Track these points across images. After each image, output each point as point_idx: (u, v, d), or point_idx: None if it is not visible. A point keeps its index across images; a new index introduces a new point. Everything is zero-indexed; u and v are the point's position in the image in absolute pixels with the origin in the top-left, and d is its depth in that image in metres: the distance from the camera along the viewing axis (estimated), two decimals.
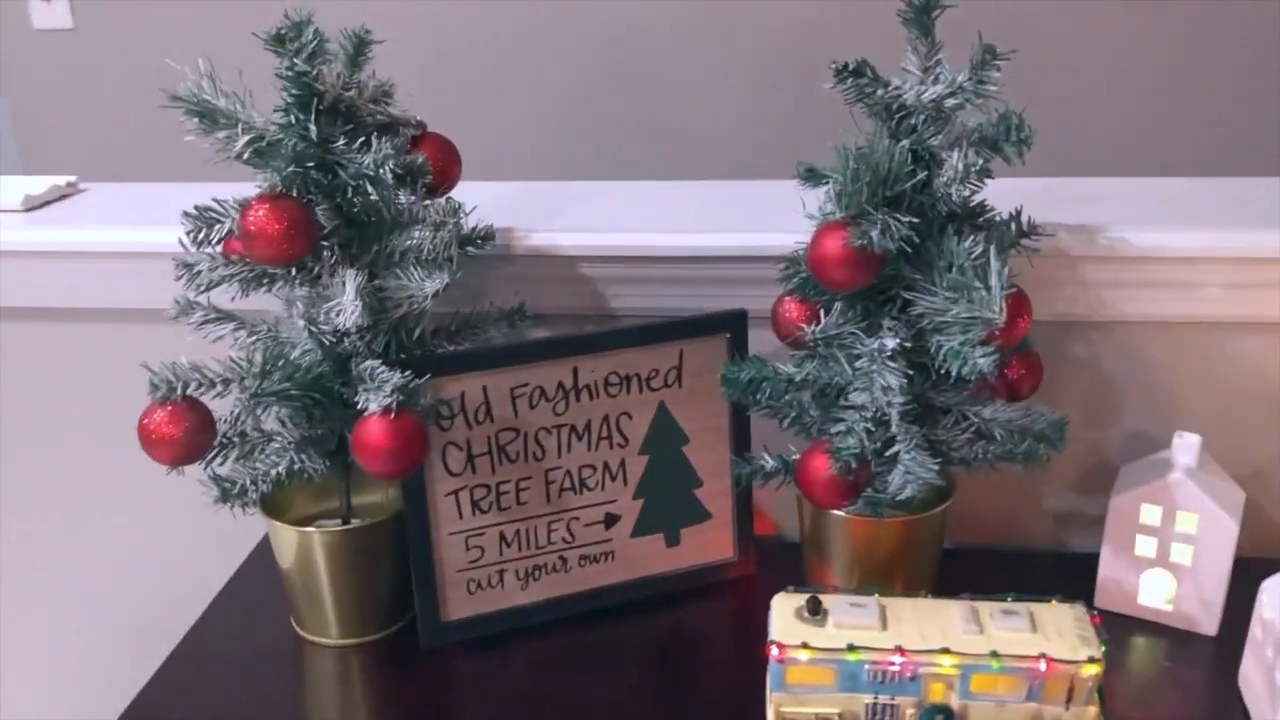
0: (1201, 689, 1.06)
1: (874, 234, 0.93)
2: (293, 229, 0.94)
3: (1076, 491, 1.26)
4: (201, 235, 0.99)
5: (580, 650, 1.12)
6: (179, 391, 0.96)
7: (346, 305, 0.94)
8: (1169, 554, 1.09)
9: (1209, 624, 1.09)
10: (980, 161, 0.94)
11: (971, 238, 0.96)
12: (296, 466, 1.00)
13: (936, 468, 0.97)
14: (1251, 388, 1.19)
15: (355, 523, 1.10)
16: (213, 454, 1.00)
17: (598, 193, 1.35)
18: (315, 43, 0.96)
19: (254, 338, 1.05)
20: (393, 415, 0.92)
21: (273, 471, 1.00)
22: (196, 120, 0.97)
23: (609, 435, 1.12)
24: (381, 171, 0.96)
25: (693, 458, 1.16)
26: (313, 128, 0.97)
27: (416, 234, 1.00)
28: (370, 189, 0.97)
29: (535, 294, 1.21)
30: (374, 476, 0.98)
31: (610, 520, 1.15)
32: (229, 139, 0.97)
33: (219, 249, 1.03)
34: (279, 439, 1.00)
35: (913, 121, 0.95)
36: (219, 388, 0.98)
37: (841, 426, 1.00)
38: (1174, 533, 1.08)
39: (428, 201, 1.04)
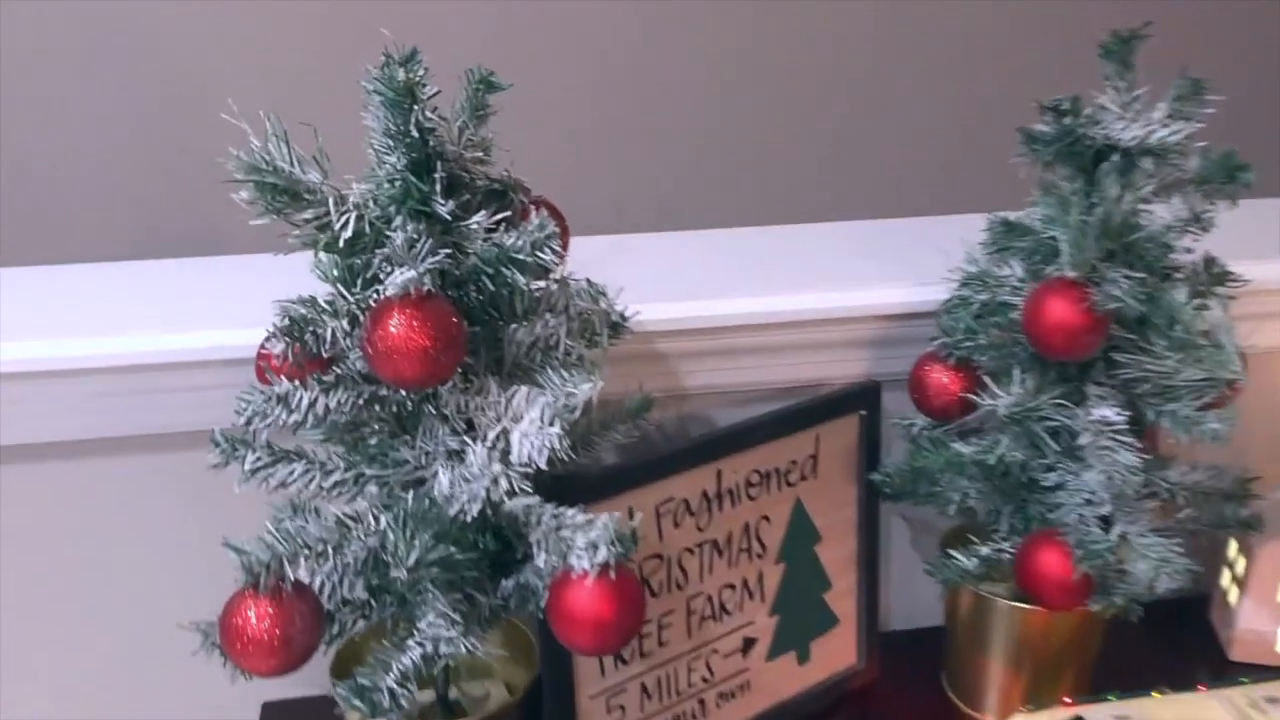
0: None
1: (1117, 293, 0.82)
2: (448, 340, 0.69)
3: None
4: (301, 352, 0.72)
5: None
6: (285, 573, 0.69)
7: (531, 432, 0.70)
8: None
9: None
10: (1209, 208, 0.85)
11: (1181, 290, 0.87)
12: (462, 653, 0.74)
13: (1183, 551, 0.87)
14: None
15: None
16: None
17: (633, 248, 1.16)
18: (435, 92, 0.72)
19: (330, 480, 0.78)
20: (613, 574, 0.70)
21: (427, 667, 0.74)
22: (271, 198, 0.70)
23: (748, 546, 0.94)
24: (540, 255, 0.74)
25: (824, 556, 1.00)
26: (439, 202, 0.73)
27: (546, 324, 0.79)
28: (518, 276, 0.74)
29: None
30: (585, 654, 0.75)
31: (747, 645, 0.96)
32: (319, 220, 0.71)
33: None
34: (432, 622, 0.74)
35: (1134, 164, 0.85)
36: (333, 560, 0.72)
37: (1071, 516, 0.88)
38: None
39: (547, 282, 0.81)
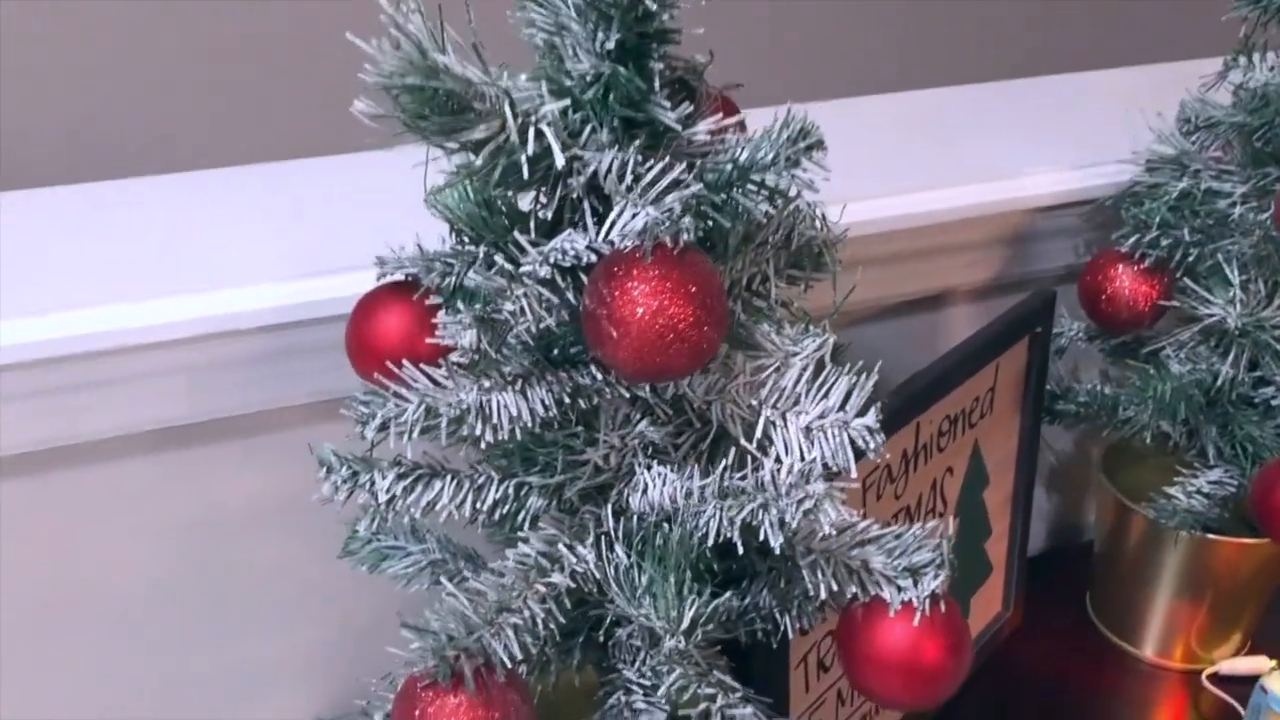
0: None
1: None
2: (718, 309, 0.48)
3: None
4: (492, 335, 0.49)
5: None
6: (496, 656, 0.48)
7: (830, 427, 0.51)
8: None
9: None
10: None
11: None
12: None
13: None
14: None
15: None
16: None
17: None
18: None
19: (486, 498, 0.57)
20: (943, 608, 0.52)
21: None
22: (430, 111, 0.46)
23: (934, 505, 0.78)
24: (793, 171, 0.53)
25: (989, 501, 0.85)
26: (662, 106, 0.50)
27: (750, 260, 0.59)
28: (760, 204, 0.53)
29: None
30: (897, 708, 0.57)
31: None
32: (494, 139, 0.48)
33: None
34: (698, 694, 0.54)
35: None
36: (540, 625, 0.51)
37: None
38: None
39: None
